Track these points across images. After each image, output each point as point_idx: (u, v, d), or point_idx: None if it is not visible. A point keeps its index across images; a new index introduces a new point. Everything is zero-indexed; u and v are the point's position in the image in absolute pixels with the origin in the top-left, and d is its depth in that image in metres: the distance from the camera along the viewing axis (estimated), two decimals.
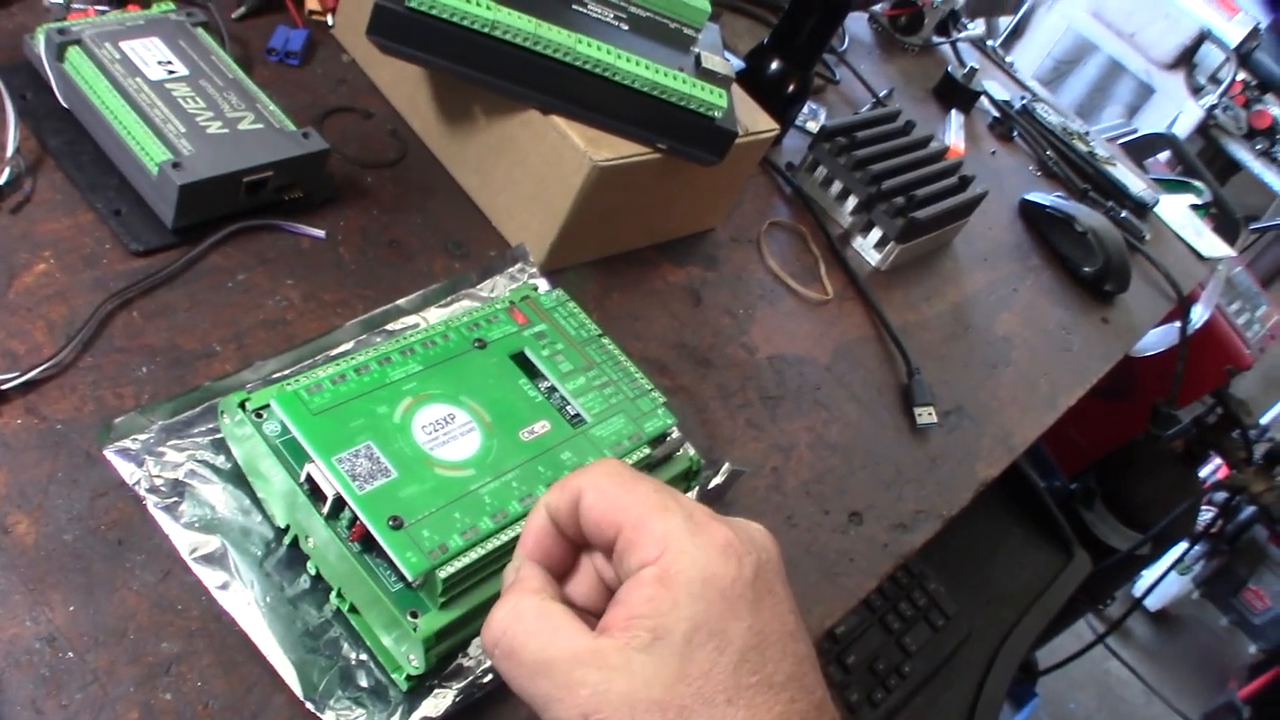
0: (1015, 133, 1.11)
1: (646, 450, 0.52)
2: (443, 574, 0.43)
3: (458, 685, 0.45)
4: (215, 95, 0.57)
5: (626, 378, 0.55)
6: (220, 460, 0.48)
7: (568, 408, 0.52)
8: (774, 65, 0.83)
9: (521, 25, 0.58)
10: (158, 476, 0.46)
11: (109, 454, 0.46)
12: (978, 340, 0.83)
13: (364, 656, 0.45)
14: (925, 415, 0.72)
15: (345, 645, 0.45)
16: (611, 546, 0.36)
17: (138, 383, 0.49)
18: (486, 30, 0.58)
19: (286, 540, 0.46)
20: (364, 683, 0.44)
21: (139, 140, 0.53)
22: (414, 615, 0.43)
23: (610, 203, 0.64)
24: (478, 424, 0.49)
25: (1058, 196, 1.01)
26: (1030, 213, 0.99)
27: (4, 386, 0.46)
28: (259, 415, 0.46)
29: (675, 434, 0.55)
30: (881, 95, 1.00)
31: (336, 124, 0.67)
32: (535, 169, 0.63)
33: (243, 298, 0.55)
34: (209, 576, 0.44)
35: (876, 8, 1.11)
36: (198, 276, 0.55)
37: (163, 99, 0.55)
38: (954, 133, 1.01)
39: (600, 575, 0.38)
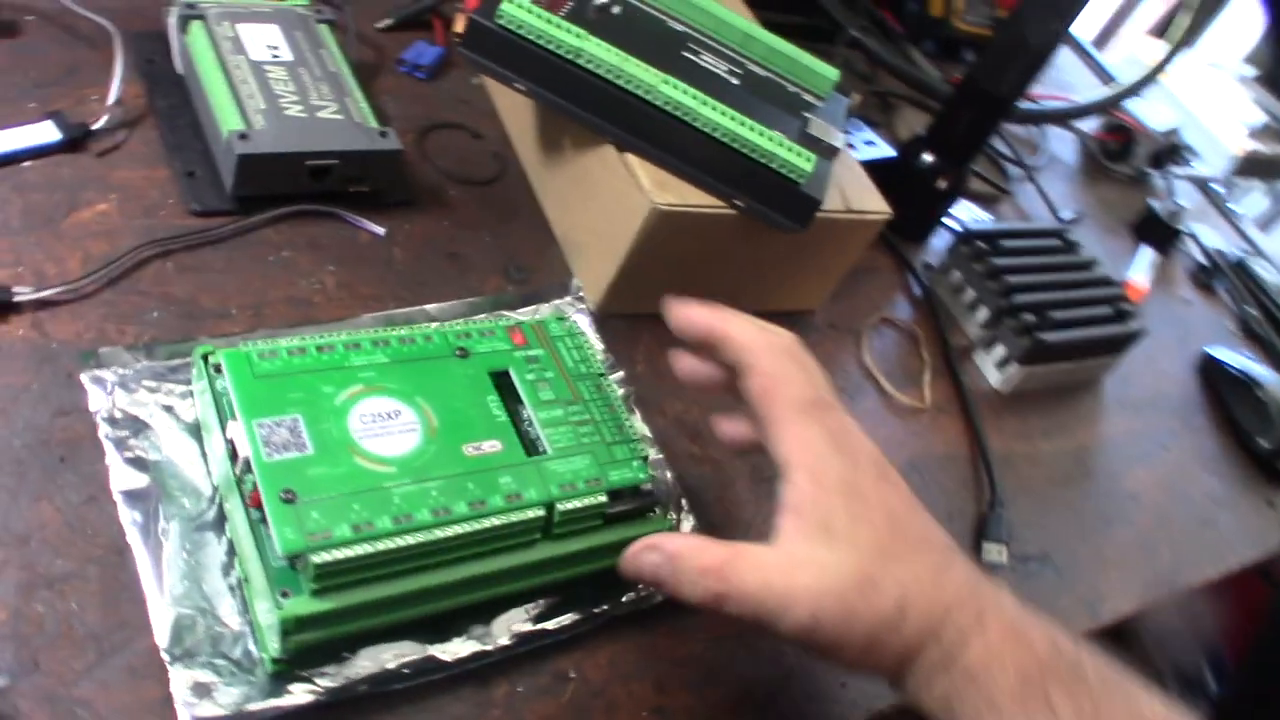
0: (1218, 285, 0.99)
1: (602, 498, 0.49)
2: (316, 559, 0.41)
3: (327, 685, 0.43)
4: (308, 83, 0.60)
5: (612, 421, 0.52)
6: (188, 413, 0.49)
7: (531, 434, 0.50)
8: (926, 158, 0.78)
9: (606, 57, 0.58)
10: (121, 410, 0.48)
11: (84, 378, 0.48)
12: (1096, 490, 0.73)
13: (247, 627, 0.44)
14: (994, 553, 0.64)
15: (236, 616, 0.44)
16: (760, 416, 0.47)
17: (144, 324, 0.52)
18: (571, 57, 0.58)
19: (217, 501, 0.47)
20: (235, 654, 0.43)
21: (221, 109, 0.57)
22: (285, 595, 0.42)
23: (677, 253, 0.62)
24: (422, 426, 0.47)
25: (1248, 357, 0.89)
26: (1210, 370, 0.88)
27: (16, 298, 0.49)
28: (218, 371, 0.47)
29: (648, 490, 0.52)
30: (1065, 217, 0.92)
31: (442, 138, 0.69)
32: (605, 206, 0.62)
33: (278, 273, 0.57)
34: (127, 513, 0.45)
35: (1088, 129, 1.03)
36: (244, 245, 0.57)
37: (256, 77, 0.58)
38: (1140, 269, 0.92)
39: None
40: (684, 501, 0.57)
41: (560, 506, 0.48)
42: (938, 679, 0.43)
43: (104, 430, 0.47)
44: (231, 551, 0.45)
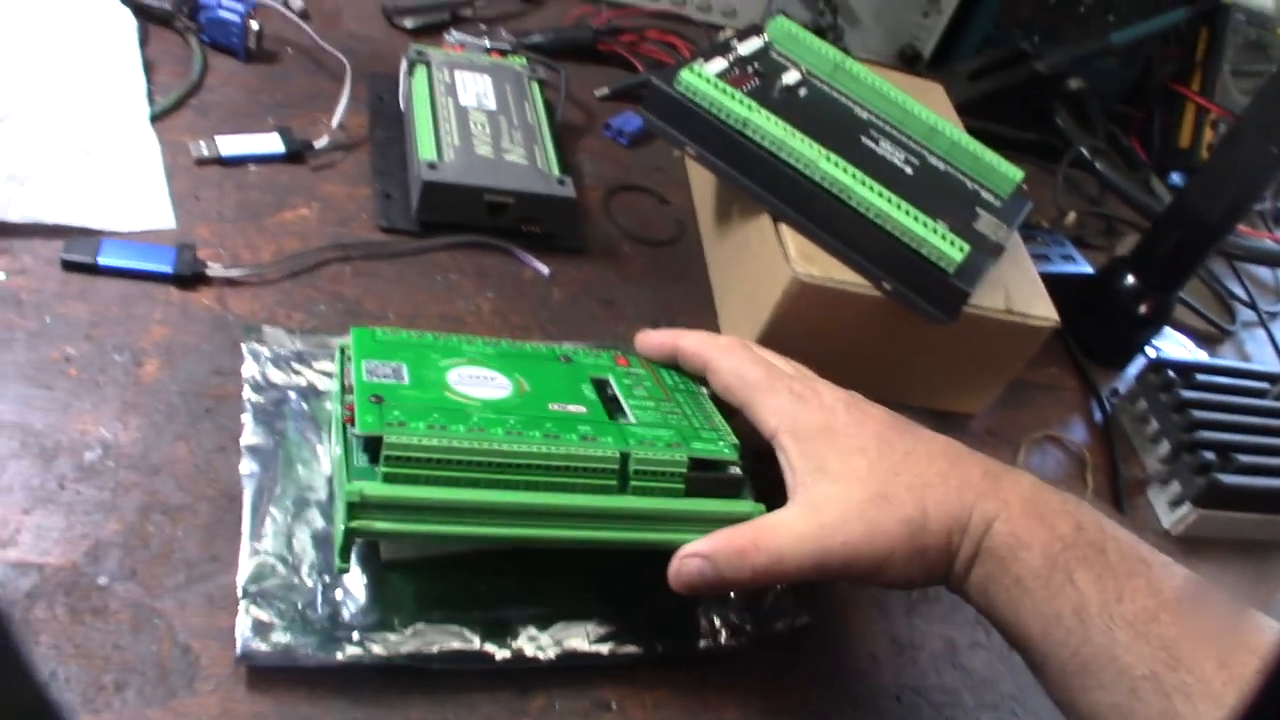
0: None
1: (682, 457, 0.48)
2: (390, 437, 0.44)
3: (376, 651, 0.46)
4: (504, 129, 0.66)
5: (704, 417, 0.52)
6: (327, 399, 0.54)
7: (617, 410, 0.51)
8: (1127, 280, 0.74)
9: (771, 129, 0.60)
10: (268, 380, 0.54)
11: (244, 347, 0.55)
12: None
13: (320, 585, 0.48)
14: None
15: (314, 575, 0.48)
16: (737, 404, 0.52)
17: (310, 314, 0.58)
18: (738, 127, 0.61)
19: (328, 483, 0.51)
20: (301, 605, 0.47)
21: (421, 140, 0.64)
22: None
23: (819, 327, 0.62)
24: (513, 388, 0.50)
25: None
26: None
27: (209, 273, 0.57)
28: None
29: (736, 473, 0.51)
30: None
31: (629, 199, 0.73)
32: (755, 273, 0.64)
33: (441, 292, 0.62)
34: (248, 466, 0.50)
35: None
36: (416, 263, 0.63)
37: (458, 117, 0.65)
38: None
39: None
40: None
41: (636, 453, 0.48)
42: (974, 568, 0.46)
43: (248, 393, 0.53)
44: (326, 524, 0.49)
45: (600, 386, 0.53)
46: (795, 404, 0.50)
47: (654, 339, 0.56)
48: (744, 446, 0.51)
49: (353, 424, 0.46)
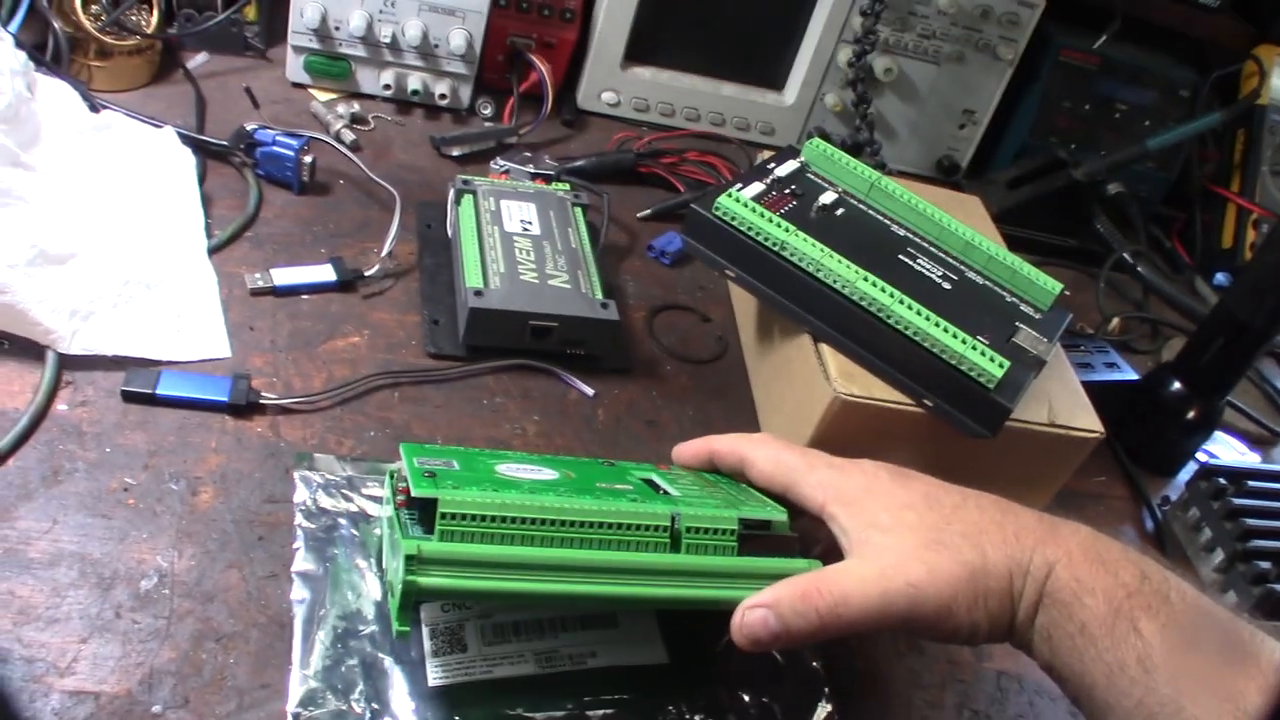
0: None
1: (732, 513, 0.49)
2: (445, 496, 0.45)
3: None
4: (548, 255, 0.68)
5: (746, 494, 0.53)
6: (376, 525, 0.55)
7: (662, 493, 0.52)
8: (1173, 387, 0.74)
9: (808, 251, 0.61)
10: (320, 507, 0.55)
11: (296, 475, 0.56)
12: None
13: (369, 712, 0.48)
14: None
15: (362, 701, 0.48)
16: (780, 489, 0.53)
17: (360, 440, 0.59)
18: (776, 249, 0.62)
19: (375, 612, 0.51)
20: None
21: (468, 268, 0.66)
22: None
23: (862, 445, 0.62)
24: (560, 475, 0.51)
25: None
26: None
27: (263, 401, 0.59)
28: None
29: (790, 535, 0.51)
30: None
31: (672, 318, 0.74)
32: (796, 392, 0.64)
33: (488, 415, 0.63)
34: (299, 592, 0.51)
35: None
36: (463, 388, 0.64)
37: (503, 245, 0.67)
38: None
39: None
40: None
41: (686, 512, 0.48)
42: (1038, 615, 0.46)
43: (300, 520, 0.54)
44: (373, 666, 0.50)
45: (645, 482, 0.54)
46: (836, 475, 0.51)
47: (690, 447, 0.57)
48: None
49: (406, 504, 0.48)
